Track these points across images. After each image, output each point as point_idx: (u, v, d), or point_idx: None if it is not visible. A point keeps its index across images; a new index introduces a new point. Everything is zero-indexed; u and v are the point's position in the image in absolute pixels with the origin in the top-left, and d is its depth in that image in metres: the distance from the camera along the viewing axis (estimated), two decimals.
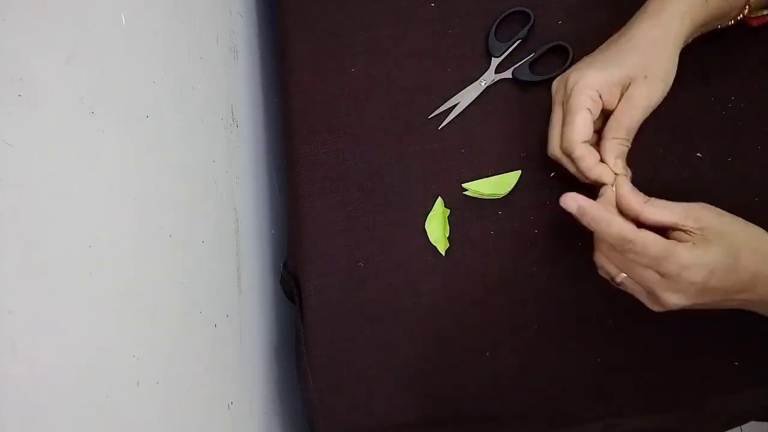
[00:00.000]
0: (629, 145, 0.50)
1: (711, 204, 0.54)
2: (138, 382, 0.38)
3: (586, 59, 0.52)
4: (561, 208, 0.56)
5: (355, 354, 0.56)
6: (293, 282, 0.59)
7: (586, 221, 0.46)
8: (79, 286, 0.33)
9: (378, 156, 0.59)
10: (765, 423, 0.60)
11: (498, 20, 0.60)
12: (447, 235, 0.56)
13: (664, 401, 0.54)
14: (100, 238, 0.35)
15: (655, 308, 0.47)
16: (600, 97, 0.49)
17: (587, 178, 0.50)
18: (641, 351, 0.55)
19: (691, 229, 0.45)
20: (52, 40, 0.33)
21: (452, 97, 0.59)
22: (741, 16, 0.52)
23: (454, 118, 0.59)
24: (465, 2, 0.61)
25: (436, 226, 0.57)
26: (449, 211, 0.57)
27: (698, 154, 0.56)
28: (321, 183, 0.59)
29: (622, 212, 0.47)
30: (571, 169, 0.52)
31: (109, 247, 0.36)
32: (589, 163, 0.49)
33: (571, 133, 0.49)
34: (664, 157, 0.56)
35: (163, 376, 0.40)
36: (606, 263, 0.47)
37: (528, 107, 0.59)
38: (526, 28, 0.60)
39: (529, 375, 0.55)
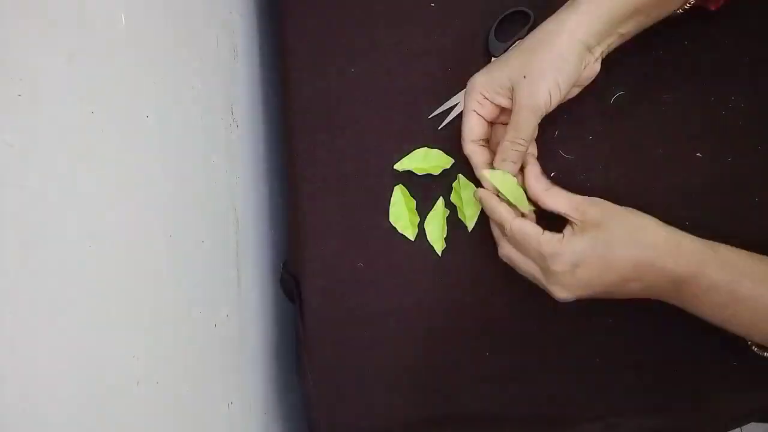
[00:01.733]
0: (524, 147, 0.50)
1: (711, 207, 0.54)
2: (138, 382, 0.38)
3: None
4: None
5: (355, 354, 0.56)
6: (293, 282, 0.59)
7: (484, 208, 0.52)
8: (79, 286, 0.33)
9: (378, 156, 0.59)
10: (765, 424, 0.60)
11: (498, 20, 0.60)
12: (444, 236, 0.56)
13: (665, 401, 0.54)
14: (100, 238, 0.35)
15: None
16: (486, 98, 0.51)
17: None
18: (641, 351, 0.55)
19: (574, 220, 0.48)
20: (52, 40, 0.33)
21: (452, 97, 0.59)
22: (689, 3, 0.50)
23: (454, 118, 0.59)
24: (465, 2, 0.61)
25: (435, 226, 0.57)
26: (449, 211, 0.57)
27: (698, 154, 0.56)
28: (321, 183, 0.59)
29: (530, 197, 0.51)
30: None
31: (109, 247, 0.36)
32: (475, 161, 0.53)
33: (463, 133, 0.53)
34: (664, 157, 0.56)
35: (163, 376, 0.40)
36: (509, 253, 0.51)
37: None
38: (526, 28, 0.60)
39: (529, 375, 0.55)
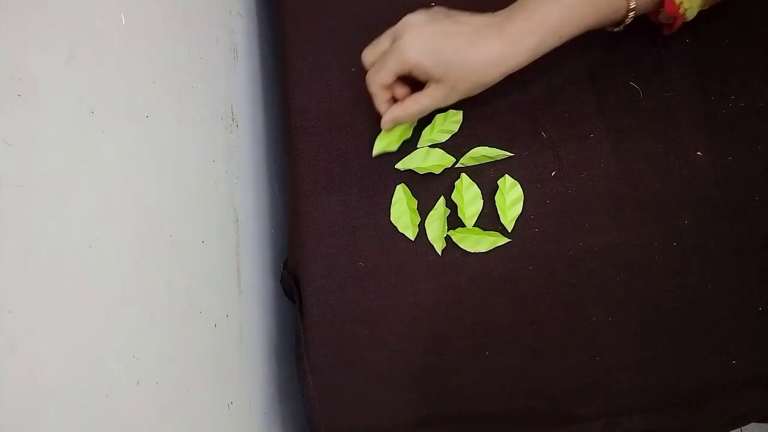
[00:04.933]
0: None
1: (711, 205, 0.54)
2: (138, 382, 0.38)
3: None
4: (561, 206, 0.56)
5: (354, 354, 0.56)
6: (293, 282, 0.59)
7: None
8: (79, 286, 0.33)
9: (377, 155, 0.59)
10: (765, 424, 0.60)
11: None
12: (445, 235, 0.56)
13: (664, 400, 0.54)
14: (100, 238, 0.35)
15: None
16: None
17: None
18: (641, 350, 0.55)
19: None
20: (52, 40, 0.33)
21: None
22: (629, 18, 0.50)
23: None
24: (465, 2, 0.61)
25: (436, 225, 0.57)
26: (449, 211, 0.57)
27: (698, 153, 0.56)
28: (321, 183, 0.59)
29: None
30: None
31: (109, 247, 0.36)
32: (378, 101, 0.55)
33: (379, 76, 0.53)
34: (664, 156, 0.56)
35: (163, 376, 0.40)
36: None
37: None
38: None
39: (529, 374, 0.55)
